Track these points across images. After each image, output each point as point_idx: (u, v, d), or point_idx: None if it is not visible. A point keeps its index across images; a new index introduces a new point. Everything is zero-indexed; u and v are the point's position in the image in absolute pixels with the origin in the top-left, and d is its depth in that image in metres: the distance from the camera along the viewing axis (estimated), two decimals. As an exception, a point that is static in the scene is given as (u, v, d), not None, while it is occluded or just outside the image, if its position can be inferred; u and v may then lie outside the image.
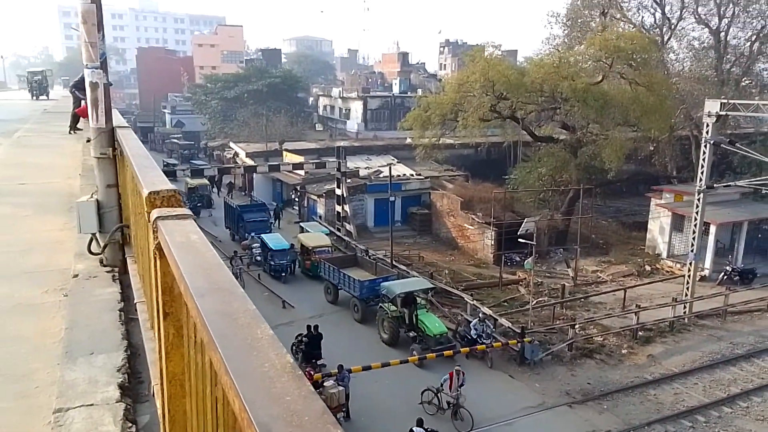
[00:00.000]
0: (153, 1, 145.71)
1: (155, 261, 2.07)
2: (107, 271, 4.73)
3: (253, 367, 0.96)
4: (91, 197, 4.85)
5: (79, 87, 14.90)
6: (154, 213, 2.01)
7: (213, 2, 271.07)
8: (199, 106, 69.75)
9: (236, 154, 51.59)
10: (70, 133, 15.16)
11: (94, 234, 4.88)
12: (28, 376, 3.53)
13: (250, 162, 44.73)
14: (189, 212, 2.07)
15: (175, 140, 66.28)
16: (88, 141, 5.29)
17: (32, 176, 10.22)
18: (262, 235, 30.20)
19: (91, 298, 4.18)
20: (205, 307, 1.20)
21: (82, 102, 14.76)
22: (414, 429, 14.76)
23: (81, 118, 15.13)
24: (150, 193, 2.21)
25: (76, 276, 4.60)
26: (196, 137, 68.30)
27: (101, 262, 4.86)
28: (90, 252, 4.88)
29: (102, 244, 4.79)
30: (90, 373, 3.13)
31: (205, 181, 42.42)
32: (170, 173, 36.22)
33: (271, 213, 36.41)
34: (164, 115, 79.38)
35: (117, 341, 3.48)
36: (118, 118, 5.08)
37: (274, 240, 29.37)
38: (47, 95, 36.77)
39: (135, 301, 3.76)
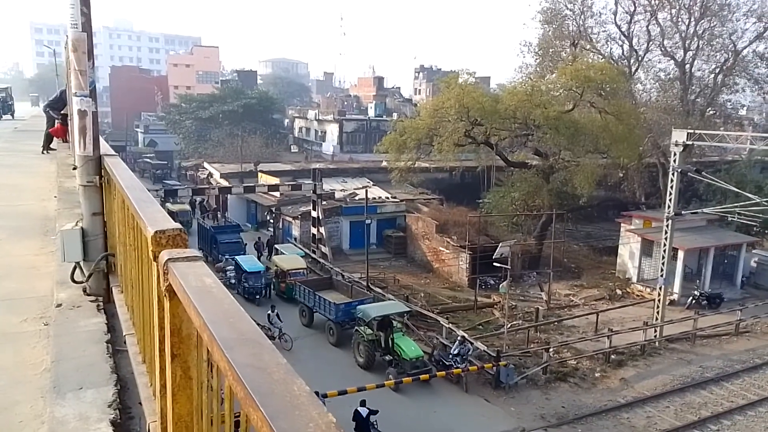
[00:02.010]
0: (128, 19, 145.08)
1: (162, 302, 2.08)
2: (91, 301, 4.67)
3: (298, 427, 0.99)
4: (76, 225, 4.80)
5: (53, 107, 14.72)
6: (164, 254, 2.03)
7: (189, 22, 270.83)
8: (172, 125, 69.19)
9: (210, 175, 51.20)
10: (43, 153, 14.90)
11: (77, 262, 4.82)
12: (9, 409, 3.44)
13: (224, 183, 44.43)
14: (199, 253, 2.10)
15: (148, 160, 65.46)
16: (74, 168, 5.24)
17: (4, 198, 9.96)
18: (237, 257, 29.89)
19: (77, 329, 4.11)
20: (238, 360, 1.24)
21: (56, 122, 14.58)
22: (358, 408, 15.79)
23: (55, 138, 14.92)
24: (156, 232, 2.23)
25: (59, 305, 4.53)
26: (169, 157, 67.57)
27: (84, 290, 4.80)
28: (73, 281, 4.81)
29: (86, 273, 4.73)
30: (80, 408, 3.08)
31: (187, 206, 41.92)
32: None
33: (264, 245, 35.46)
34: (137, 134, 78.50)
35: (106, 375, 3.44)
36: (105, 146, 5.06)
37: (249, 262, 29.09)
38: (12, 114, 35.04)
39: (124, 334, 3.72)
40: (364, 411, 15.94)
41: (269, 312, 22.98)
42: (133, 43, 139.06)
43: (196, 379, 1.92)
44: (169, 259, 1.97)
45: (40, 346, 4.23)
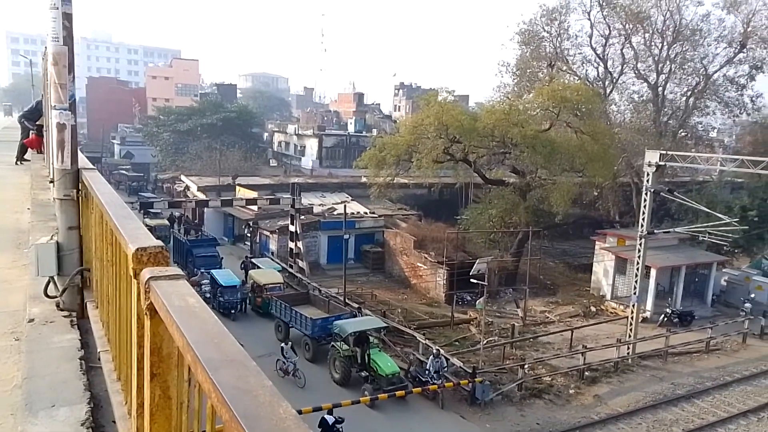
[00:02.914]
0: (107, 31, 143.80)
1: (142, 320, 2.08)
2: (65, 316, 4.58)
3: (285, 450, 1.01)
4: (51, 239, 4.73)
5: (29, 117, 14.49)
6: (146, 272, 2.03)
7: (169, 35, 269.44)
8: (150, 137, 68.53)
9: (187, 188, 50.72)
10: (16, 164, 14.63)
11: (51, 277, 4.74)
12: (-22, 428, 3.36)
13: (201, 196, 44.04)
14: (181, 272, 2.10)
15: (124, 171, 64.62)
16: (51, 182, 5.18)
17: (-25, 209, 9.75)
18: (212, 271, 29.56)
19: (50, 344, 4.03)
20: (222, 381, 1.25)
21: (32, 132, 14.34)
22: (325, 416, 16.27)
23: (29, 149, 14.66)
24: (138, 249, 2.22)
25: (31, 320, 4.44)
26: (145, 169, 66.85)
27: (58, 305, 4.71)
28: (46, 295, 4.73)
29: (60, 288, 4.65)
30: (52, 427, 3.02)
31: (165, 221, 40.71)
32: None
33: (251, 264, 33.13)
34: (113, 145, 77.47)
35: (79, 392, 3.37)
36: (83, 160, 5.01)
37: (225, 276, 28.78)
38: None
39: (99, 350, 3.66)
40: (330, 419, 16.41)
41: (283, 345, 21.82)
42: (112, 54, 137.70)
43: (176, 399, 1.92)
44: (151, 277, 1.97)
45: (11, 362, 4.14)
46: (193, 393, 1.69)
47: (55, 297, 4.72)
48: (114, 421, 3.09)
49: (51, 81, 4.59)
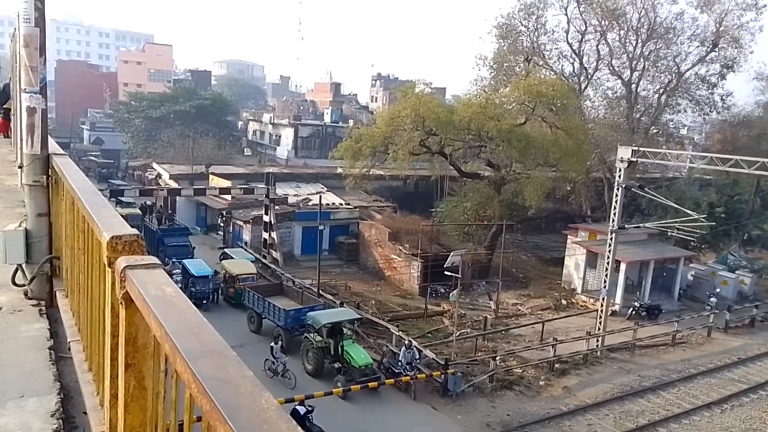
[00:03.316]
0: (77, 13, 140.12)
1: (118, 309, 2.04)
2: (33, 305, 4.48)
3: (269, 441, 1.00)
4: (20, 226, 4.61)
5: (-5, 100, 14.06)
6: (122, 261, 1.99)
7: (141, 19, 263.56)
8: (121, 124, 67.24)
9: (159, 176, 49.91)
10: (-18, 148, 14.18)
11: (20, 264, 4.62)
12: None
13: (174, 184, 43.39)
14: (158, 261, 2.06)
15: (93, 158, 63.33)
16: (20, 167, 5.04)
17: (-61, 194, 9.43)
18: (184, 261, 29.20)
19: (18, 334, 3.94)
20: (202, 372, 1.23)
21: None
22: (297, 407, 16.58)
23: (-3, 133, 14.26)
24: (112, 237, 2.17)
25: (-1, 309, 4.33)
26: (115, 156, 65.63)
27: (26, 294, 4.60)
28: (14, 283, 4.61)
29: (29, 276, 4.54)
30: (22, 418, 2.95)
31: (137, 210, 39.17)
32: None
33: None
34: (82, 131, 75.79)
35: (49, 383, 3.31)
36: (53, 145, 4.88)
37: (197, 266, 28.47)
38: None
39: (69, 340, 3.59)
40: (302, 409, 16.67)
41: (273, 345, 21.23)
42: (82, 37, 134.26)
43: (151, 390, 1.89)
44: (127, 266, 1.93)
45: (-23, 351, 4.03)
46: (170, 383, 1.66)
47: (24, 285, 4.61)
48: (85, 412, 3.03)
49: (21, 63, 4.45)
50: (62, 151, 4.84)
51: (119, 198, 39.63)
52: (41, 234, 4.61)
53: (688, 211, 28.12)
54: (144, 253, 2.18)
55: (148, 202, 41.54)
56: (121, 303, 1.92)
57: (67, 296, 4.16)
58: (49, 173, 4.61)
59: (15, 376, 3.38)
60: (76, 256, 3.59)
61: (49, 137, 4.79)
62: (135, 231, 2.29)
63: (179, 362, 1.33)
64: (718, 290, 32.89)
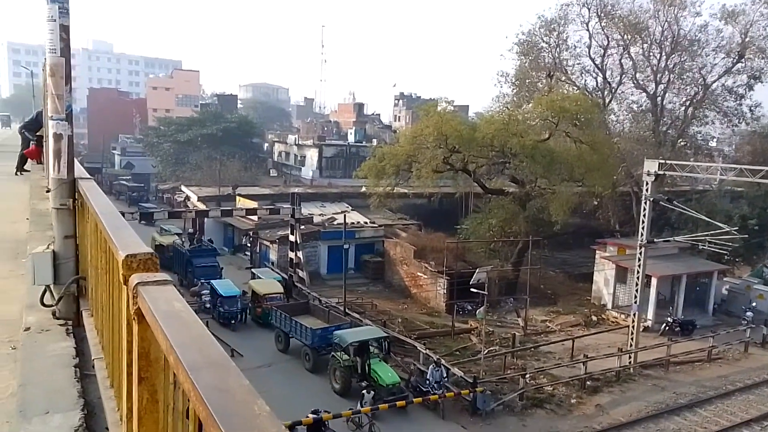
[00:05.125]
0: (107, 41, 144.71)
1: (131, 325, 2.11)
2: (60, 324, 4.61)
3: (257, 445, 1.04)
4: (48, 248, 4.77)
5: (29, 128, 14.57)
6: (134, 278, 2.06)
7: (170, 46, 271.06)
8: (150, 148, 68.84)
9: (188, 198, 50.83)
10: (16, 174, 14.70)
11: (48, 285, 4.77)
12: (-26, 436, 3.38)
13: (201, 206, 44.12)
14: (169, 278, 2.13)
15: (124, 182, 64.80)
16: (48, 191, 5.22)
17: (-26, 220, 9.79)
18: (212, 281, 29.56)
19: (45, 352, 4.06)
20: (201, 381, 1.28)
21: (32, 143, 14.42)
22: (309, 415, 16.75)
23: (29, 160, 14.73)
24: (127, 256, 2.26)
25: (27, 329, 4.47)
26: (146, 179, 67.02)
27: (54, 314, 4.74)
28: (43, 304, 4.76)
29: (56, 296, 4.68)
30: (45, 434, 3.05)
31: (177, 239, 37.71)
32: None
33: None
34: (113, 156, 77.77)
35: (73, 399, 3.40)
36: (79, 170, 5.06)
37: (225, 286, 28.77)
38: None
39: (93, 358, 3.69)
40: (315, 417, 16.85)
41: (364, 392, 19.28)
42: (113, 65, 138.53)
43: (163, 403, 1.94)
44: (139, 282, 2.01)
45: (7, 370, 4.16)
46: (179, 396, 1.71)
47: (51, 306, 4.75)
48: (107, 428, 3.12)
49: (48, 91, 4.65)
50: (88, 176, 5.01)
51: (162, 227, 39.79)
52: (68, 256, 4.76)
53: (720, 224, 27.49)
54: (158, 271, 2.25)
55: (190, 230, 40.55)
56: (134, 318, 1.99)
57: (92, 315, 4.28)
58: (75, 197, 4.78)
59: (41, 393, 3.48)
60: (99, 276, 3.71)
61: (75, 162, 4.97)
62: (149, 250, 2.37)
63: (181, 373, 1.39)
64: (754, 304, 31.97)
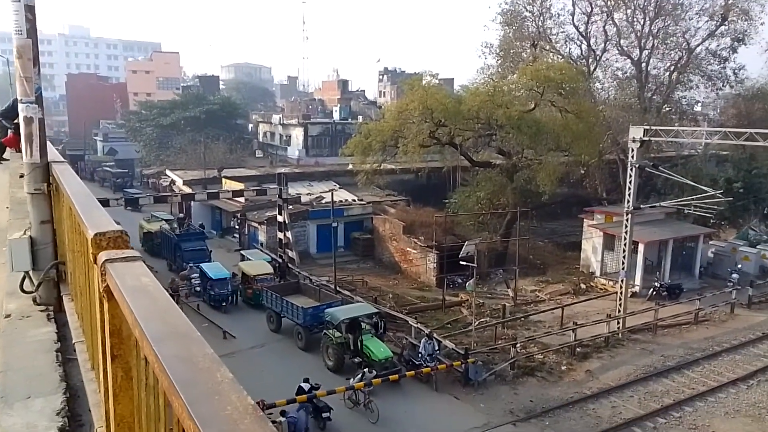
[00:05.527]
0: (84, 26, 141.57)
1: (103, 304, 2.07)
2: (41, 310, 4.57)
3: (216, 411, 1.01)
4: (24, 234, 4.69)
5: (6, 116, 14.25)
6: (102, 255, 2.02)
7: (148, 28, 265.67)
8: (133, 133, 67.93)
9: (173, 182, 50.38)
10: (-5, 163, 14.43)
11: (27, 272, 4.71)
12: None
13: (187, 190, 43.77)
14: (138, 254, 2.09)
15: (108, 168, 64.04)
16: (21, 176, 5.12)
17: (-47, 209, 9.61)
18: (201, 264, 29.46)
19: (26, 338, 4.02)
20: (164, 352, 1.25)
21: (9, 131, 14.14)
22: (301, 384, 17.32)
23: (8, 148, 14.46)
24: (96, 234, 2.21)
25: (8, 316, 4.42)
26: (129, 165, 66.28)
27: (34, 300, 4.69)
28: (22, 290, 4.70)
29: (36, 282, 4.62)
30: (28, 418, 3.02)
31: (164, 224, 37.28)
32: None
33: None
34: (95, 142, 76.70)
35: (55, 383, 3.37)
36: (53, 153, 4.96)
37: (214, 269, 28.70)
38: None
39: (74, 341, 3.66)
40: (306, 386, 17.36)
41: (365, 369, 19.04)
42: (90, 50, 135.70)
43: (137, 379, 1.92)
44: (107, 260, 1.96)
45: (-12, 358, 4.13)
46: (150, 371, 1.69)
47: (32, 292, 4.70)
48: (90, 410, 3.10)
49: (17, 74, 4.53)
50: (62, 159, 4.91)
51: (153, 214, 39.59)
52: (46, 241, 4.69)
53: (705, 188, 27.74)
54: (127, 248, 2.21)
55: (181, 215, 40.12)
56: (104, 296, 1.96)
57: (72, 300, 4.24)
58: (50, 181, 4.69)
59: (22, 378, 3.45)
60: (76, 259, 3.66)
61: (49, 145, 4.87)
62: (119, 227, 2.32)
63: (146, 345, 1.36)
64: (739, 266, 32.45)
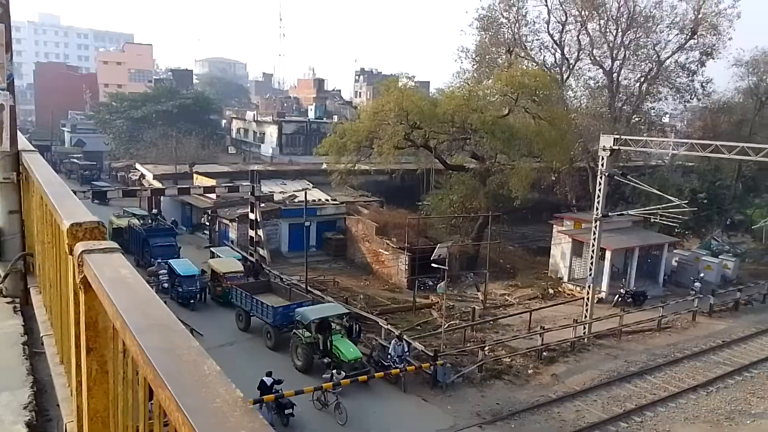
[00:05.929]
0: (54, 14, 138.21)
1: (78, 295, 2.03)
2: (7, 302, 4.44)
3: (205, 403, 1.01)
4: (-9, 224, 4.57)
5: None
6: (79, 246, 1.98)
7: (120, 18, 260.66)
8: (102, 125, 66.51)
9: (143, 176, 49.48)
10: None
11: (-8, 263, 4.58)
12: None
13: (158, 184, 43.03)
14: (116, 245, 2.05)
15: (75, 160, 62.55)
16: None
17: None
18: (170, 261, 29.01)
19: (-9, 331, 3.92)
20: (148, 344, 1.24)
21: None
22: (264, 378, 17.40)
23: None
24: (72, 224, 2.16)
25: (-28, 309, 4.29)
26: (98, 157, 64.83)
27: (0, 292, 4.56)
28: (-13, 282, 4.57)
29: (2, 274, 4.50)
30: (-7, 412, 2.94)
31: (135, 220, 35.97)
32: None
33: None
34: (63, 133, 74.87)
35: (22, 377, 3.29)
36: (23, 142, 4.83)
37: (183, 266, 28.28)
38: None
39: (42, 335, 3.57)
40: (268, 380, 17.41)
41: (333, 371, 18.93)
42: (60, 39, 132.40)
43: (112, 372, 1.89)
44: (84, 251, 1.93)
45: (-49, 351, 4.00)
46: (128, 363, 1.66)
47: (-3, 284, 4.56)
48: (58, 405, 3.03)
49: (-13, 60, 4.40)
50: (32, 148, 4.79)
51: (125, 209, 38.52)
52: (13, 231, 4.57)
53: (671, 198, 28.42)
54: (104, 240, 2.17)
55: (155, 210, 39.02)
56: (80, 288, 1.92)
57: (40, 292, 4.13)
58: (20, 170, 4.57)
59: (-13, 372, 3.35)
60: (46, 250, 3.57)
61: (19, 134, 4.74)
62: (96, 218, 2.28)
63: (128, 337, 1.34)
64: (702, 275, 33.29)
